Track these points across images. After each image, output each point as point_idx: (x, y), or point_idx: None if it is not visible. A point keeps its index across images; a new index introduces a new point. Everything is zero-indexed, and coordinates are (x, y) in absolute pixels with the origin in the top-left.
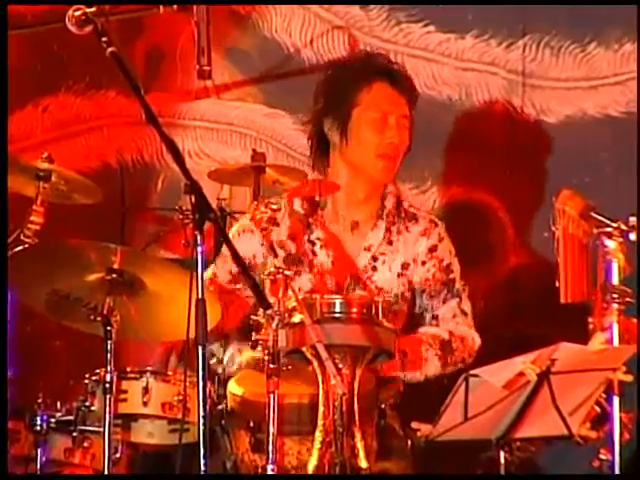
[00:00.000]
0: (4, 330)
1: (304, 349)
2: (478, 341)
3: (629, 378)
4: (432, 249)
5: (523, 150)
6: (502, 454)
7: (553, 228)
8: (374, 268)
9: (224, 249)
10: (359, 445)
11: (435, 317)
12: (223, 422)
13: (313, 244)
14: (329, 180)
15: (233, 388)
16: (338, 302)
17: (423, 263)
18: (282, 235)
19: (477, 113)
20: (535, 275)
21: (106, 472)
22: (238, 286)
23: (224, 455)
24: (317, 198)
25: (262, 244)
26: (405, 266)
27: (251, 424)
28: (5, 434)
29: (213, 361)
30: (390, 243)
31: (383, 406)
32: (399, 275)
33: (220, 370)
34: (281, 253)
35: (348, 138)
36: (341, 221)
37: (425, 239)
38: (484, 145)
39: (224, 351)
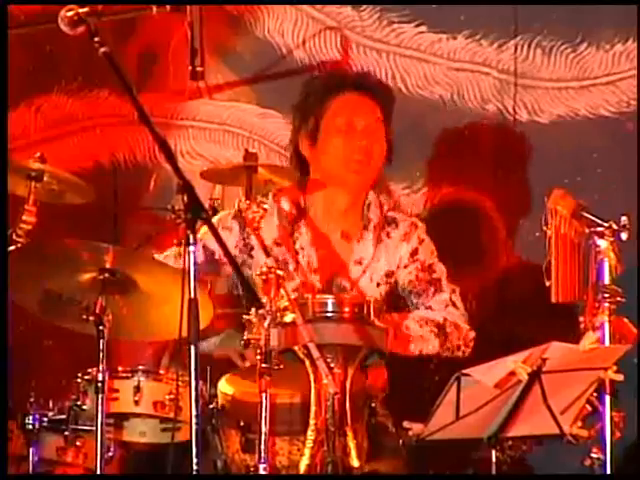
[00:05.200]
0: (4, 330)
1: (296, 348)
2: (472, 334)
3: (620, 377)
4: (413, 253)
5: (515, 150)
6: (494, 453)
7: (545, 228)
8: (359, 279)
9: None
10: (351, 444)
11: (428, 307)
12: (214, 421)
13: (297, 252)
14: (314, 179)
15: (224, 387)
16: (330, 302)
17: (405, 266)
18: (267, 240)
19: (469, 113)
20: (526, 275)
21: (98, 471)
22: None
23: (215, 454)
24: (302, 204)
25: (237, 245)
26: (389, 274)
27: (241, 424)
28: (5, 434)
29: None
30: (373, 252)
31: (374, 405)
32: (379, 284)
33: None
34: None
35: (319, 149)
36: (325, 231)
37: (405, 244)
38: (476, 145)
39: None
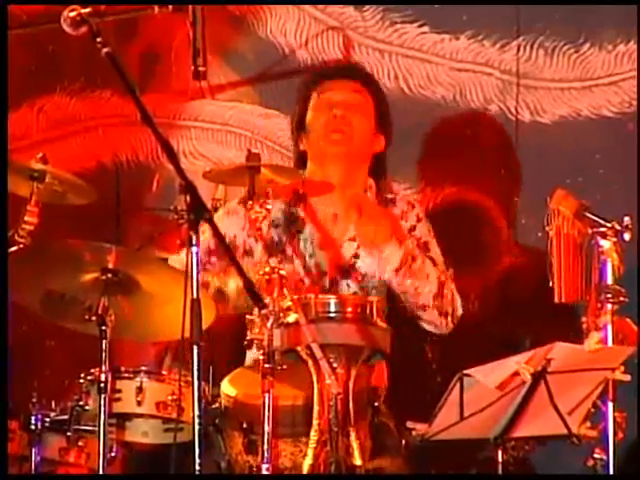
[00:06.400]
0: (4, 330)
1: (299, 349)
2: (460, 310)
3: (627, 378)
4: (411, 229)
5: (517, 150)
6: (500, 453)
7: (547, 228)
8: (356, 255)
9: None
10: (354, 444)
11: (417, 288)
12: (217, 421)
13: (297, 234)
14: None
15: (226, 389)
16: (333, 302)
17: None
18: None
19: (471, 113)
20: (529, 275)
21: (101, 471)
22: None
23: (218, 455)
24: (300, 191)
25: (243, 228)
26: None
27: (244, 425)
28: (5, 434)
29: None
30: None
31: (377, 404)
32: (381, 260)
33: None
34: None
35: (306, 135)
36: (321, 214)
37: (404, 222)
38: (478, 145)
39: None
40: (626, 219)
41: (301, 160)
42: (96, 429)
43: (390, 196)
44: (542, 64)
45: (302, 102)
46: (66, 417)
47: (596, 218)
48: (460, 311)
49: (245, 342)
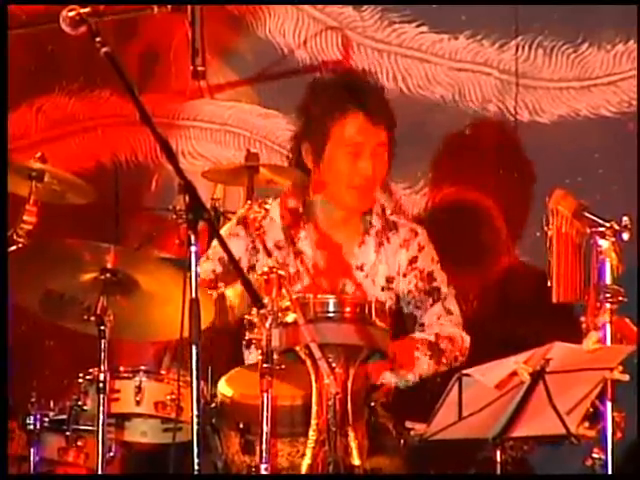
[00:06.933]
0: (4, 330)
1: (297, 348)
2: (467, 339)
3: (625, 377)
4: (412, 261)
5: (516, 150)
6: (498, 453)
7: (546, 228)
8: (360, 286)
9: (210, 248)
10: (352, 444)
11: (421, 325)
12: (214, 421)
13: (300, 254)
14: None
15: (223, 389)
16: (332, 302)
17: (404, 275)
18: (270, 241)
19: (470, 113)
20: (527, 275)
21: (100, 471)
22: (220, 284)
23: (215, 455)
24: (304, 207)
25: (247, 249)
26: (390, 279)
27: (241, 426)
28: (5, 434)
29: None
30: (375, 257)
31: (373, 404)
32: (383, 289)
33: None
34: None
35: (322, 168)
36: (323, 238)
37: (404, 251)
38: (477, 145)
39: None
40: (625, 219)
41: (300, 162)
42: (95, 429)
43: (394, 219)
44: (541, 64)
45: (324, 126)
46: (65, 417)
47: (595, 218)
48: (467, 339)
49: (244, 342)
